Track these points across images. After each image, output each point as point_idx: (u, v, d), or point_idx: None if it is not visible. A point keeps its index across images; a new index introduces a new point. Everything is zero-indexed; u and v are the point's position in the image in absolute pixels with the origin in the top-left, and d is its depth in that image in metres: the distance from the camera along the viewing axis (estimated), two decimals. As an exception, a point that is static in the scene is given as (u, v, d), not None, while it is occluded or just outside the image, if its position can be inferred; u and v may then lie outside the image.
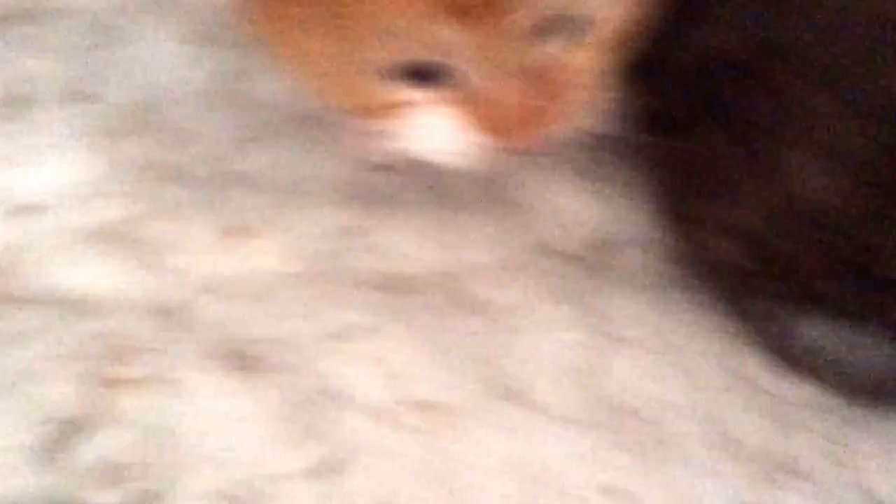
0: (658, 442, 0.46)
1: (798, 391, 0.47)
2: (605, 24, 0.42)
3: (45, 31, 0.64)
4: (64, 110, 0.59)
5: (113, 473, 0.44)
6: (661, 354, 0.48)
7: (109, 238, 0.52)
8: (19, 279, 0.50)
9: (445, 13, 0.38)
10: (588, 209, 0.56)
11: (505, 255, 0.54)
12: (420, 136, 0.43)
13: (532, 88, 0.41)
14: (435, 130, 0.43)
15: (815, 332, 0.45)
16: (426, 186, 0.56)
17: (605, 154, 0.59)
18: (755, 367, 0.48)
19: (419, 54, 0.40)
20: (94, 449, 0.45)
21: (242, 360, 0.46)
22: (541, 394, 0.47)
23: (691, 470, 0.45)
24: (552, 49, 0.42)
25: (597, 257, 0.54)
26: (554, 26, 0.41)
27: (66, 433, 0.45)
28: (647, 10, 0.45)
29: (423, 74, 0.41)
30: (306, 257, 0.53)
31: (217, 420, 0.45)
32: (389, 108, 0.42)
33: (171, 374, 0.46)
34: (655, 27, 0.53)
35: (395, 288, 0.52)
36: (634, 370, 0.48)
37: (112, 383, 0.45)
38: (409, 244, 0.54)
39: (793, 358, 0.46)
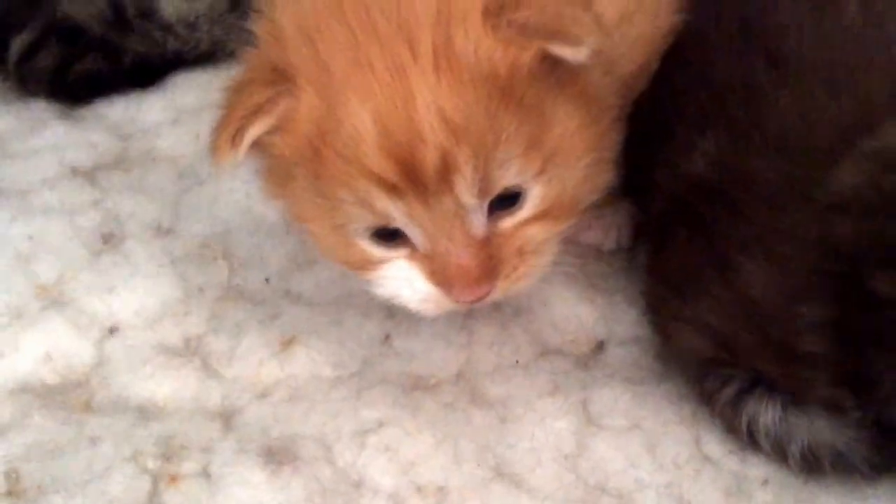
0: (629, 514, 0.53)
1: (755, 468, 0.54)
2: (548, 198, 0.50)
3: (134, 176, 0.77)
4: (150, 243, 0.71)
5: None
6: (636, 439, 0.56)
7: (177, 353, 0.63)
8: (99, 391, 0.61)
9: (388, 192, 0.47)
10: (583, 313, 0.65)
11: (509, 356, 0.62)
12: (392, 285, 0.52)
13: (482, 254, 0.49)
14: (402, 281, 0.51)
15: (765, 412, 0.52)
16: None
17: (598, 263, 0.68)
18: (717, 447, 0.56)
19: (380, 222, 0.49)
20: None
21: (277, 455, 0.56)
22: (531, 476, 0.55)
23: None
24: (498, 220, 0.50)
25: (589, 355, 0.63)
26: (498, 201, 0.49)
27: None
28: (591, 186, 0.52)
29: (388, 236, 0.50)
30: (344, 364, 0.63)
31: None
32: (367, 263, 0.52)
33: (214, 469, 0.55)
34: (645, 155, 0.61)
35: (414, 387, 0.61)
36: (612, 453, 0.56)
37: (164, 479, 0.54)
38: (428, 348, 0.63)
39: (748, 437, 0.53)
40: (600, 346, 0.63)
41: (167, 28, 0.85)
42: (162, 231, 0.72)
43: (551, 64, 0.47)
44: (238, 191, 0.74)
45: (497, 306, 0.65)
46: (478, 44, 0.46)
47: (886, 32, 0.53)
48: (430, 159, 0.46)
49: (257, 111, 0.47)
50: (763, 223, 0.49)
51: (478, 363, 0.62)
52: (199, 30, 0.86)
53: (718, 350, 0.53)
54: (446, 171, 0.46)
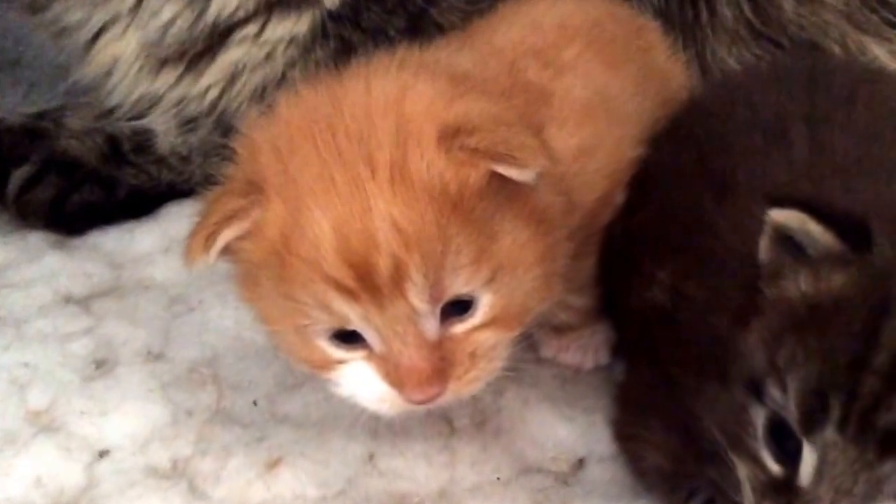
0: None
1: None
2: (497, 306, 0.53)
3: (127, 303, 0.79)
4: (140, 369, 0.73)
5: None
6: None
7: (165, 475, 0.64)
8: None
9: (346, 296, 0.50)
10: (563, 431, 0.67)
11: (490, 473, 0.64)
12: (350, 384, 0.55)
13: (434, 357, 0.52)
14: (361, 383, 0.54)
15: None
16: (425, 418, 0.67)
17: (577, 382, 0.70)
18: (694, 561, 0.57)
19: (339, 324, 0.52)
20: None
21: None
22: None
23: None
24: (450, 325, 0.53)
25: (569, 472, 0.64)
26: (451, 308, 0.52)
27: None
28: (540, 296, 0.56)
29: (347, 338, 0.53)
30: (328, 483, 0.64)
31: None
32: (327, 363, 0.54)
33: None
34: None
35: (398, 506, 0.62)
36: (593, 569, 0.57)
37: None
38: (411, 467, 0.65)
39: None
40: (580, 464, 0.65)
41: (161, 161, 0.89)
42: (152, 356, 0.74)
43: (501, 182, 0.51)
44: (227, 317, 0.76)
45: (478, 426, 0.67)
46: (431, 164, 0.50)
47: (833, 163, 0.56)
48: (383, 266, 0.49)
49: (231, 217, 0.52)
50: (705, 344, 0.52)
51: (460, 481, 0.64)
52: (191, 162, 0.90)
53: (678, 465, 0.56)
54: (399, 277, 0.49)
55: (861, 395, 0.41)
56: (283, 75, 0.85)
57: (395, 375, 0.53)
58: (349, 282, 0.50)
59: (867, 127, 0.59)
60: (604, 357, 0.71)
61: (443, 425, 0.67)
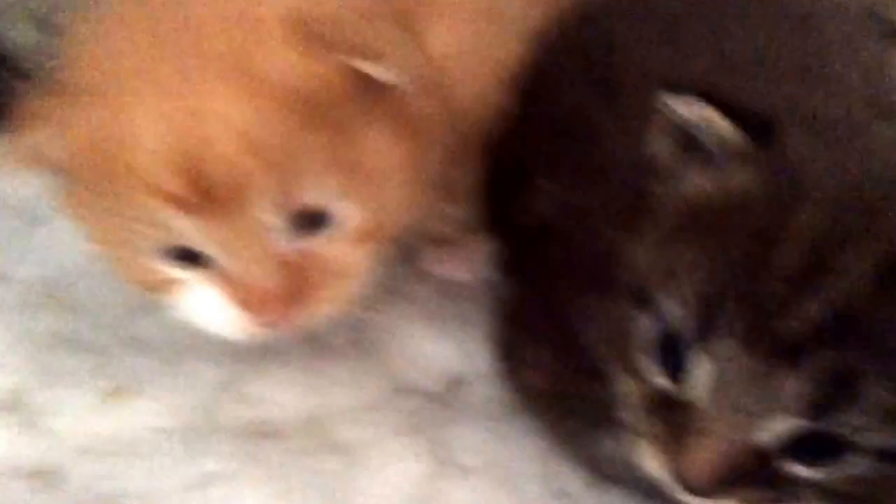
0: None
1: (612, 500, 0.52)
2: (357, 219, 0.48)
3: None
4: (-20, 291, 0.65)
5: None
6: (495, 479, 0.54)
7: (2, 405, 0.58)
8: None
9: (180, 210, 0.44)
10: (440, 349, 0.62)
11: (364, 397, 0.59)
12: (193, 308, 0.49)
13: (286, 275, 0.46)
14: (204, 305, 0.48)
15: (609, 445, 0.50)
16: (294, 337, 0.61)
17: (455, 297, 0.65)
18: (574, 483, 0.54)
19: (175, 241, 0.46)
20: None
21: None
22: (380, 524, 0.51)
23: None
24: (305, 240, 0.47)
25: (448, 393, 0.60)
26: (304, 222, 0.47)
27: None
28: (405, 208, 0.50)
29: (187, 257, 0.47)
30: (181, 413, 0.58)
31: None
32: (165, 285, 0.48)
33: None
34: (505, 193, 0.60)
35: (260, 434, 0.57)
36: (466, 494, 0.53)
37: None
38: (277, 392, 0.60)
39: (599, 469, 0.51)
40: (458, 383, 0.61)
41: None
42: (-4, 278, 0.66)
43: (365, 82, 0.45)
44: (79, 234, 0.69)
45: (353, 344, 0.62)
46: (278, 59, 0.43)
47: (730, 61, 0.52)
48: (222, 174, 0.43)
49: (32, 119, 0.45)
50: (591, 256, 0.48)
51: (329, 406, 0.59)
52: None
53: (556, 386, 0.52)
54: (241, 187, 0.43)
55: (762, 301, 0.37)
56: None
57: (243, 297, 0.47)
58: (181, 193, 0.44)
59: (765, 25, 0.55)
60: (486, 271, 0.66)
61: (313, 345, 0.62)
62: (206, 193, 0.44)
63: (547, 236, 0.54)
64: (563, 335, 0.50)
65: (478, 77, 0.56)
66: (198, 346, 0.61)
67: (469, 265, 0.67)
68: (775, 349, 0.37)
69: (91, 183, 0.46)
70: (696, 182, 0.42)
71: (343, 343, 0.63)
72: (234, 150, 0.43)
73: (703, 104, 0.41)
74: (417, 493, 0.53)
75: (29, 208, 0.71)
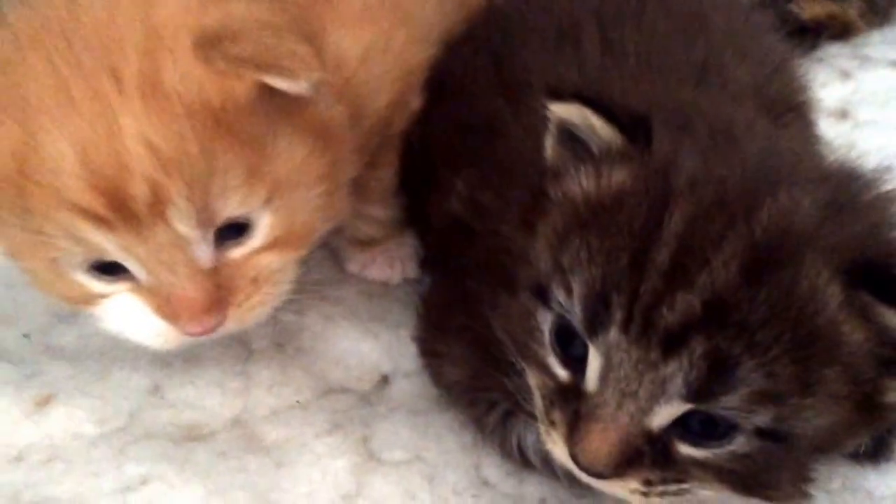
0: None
1: (532, 488, 0.55)
2: (278, 227, 0.49)
3: None
4: None
5: None
6: (419, 471, 0.55)
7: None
8: None
9: (98, 225, 0.45)
10: (366, 348, 0.64)
11: (290, 397, 0.60)
12: (118, 320, 0.49)
13: (209, 285, 0.47)
14: (129, 317, 0.49)
15: (532, 431, 0.52)
16: (219, 341, 0.62)
17: (383, 297, 0.67)
18: (496, 471, 0.56)
19: (94, 255, 0.46)
20: None
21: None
22: (306, 519, 0.53)
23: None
24: (227, 250, 0.48)
25: (373, 391, 0.61)
26: (224, 232, 0.47)
27: None
28: (325, 214, 0.51)
29: (108, 269, 0.47)
30: (109, 420, 0.59)
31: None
32: (88, 297, 0.49)
33: None
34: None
35: (188, 438, 0.58)
36: (391, 488, 0.55)
37: None
38: (203, 397, 0.60)
39: (521, 456, 0.54)
40: (385, 381, 0.62)
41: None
42: None
43: (273, 94, 0.46)
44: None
45: (278, 347, 0.63)
46: (187, 75, 0.44)
47: (623, 63, 0.55)
48: (139, 191, 0.44)
49: None
50: (498, 253, 0.50)
51: (255, 408, 0.60)
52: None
53: (475, 380, 0.54)
54: (158, 202, 0.44)
55: (642, 294, 0.39)
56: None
57: (167, 308, 0.48)
58: (99, 209, 0.44)
59: (657, 28, 0.57)
60: (411, 270, 0.68)
61: (239, 349, 0.63)
62: (125, 209, 0.44)
63: (460, 234, 0.56)
64: (478, 330, 0.51)
65: (387, 80, 0.58)
66: (123, 354, 0.62)
67: (393, 266, 0.68)
68: (657, 339, 0.39)
69: (10, 201, 0.46)
70: (581, 182, 0.44)
71: (267, 346, 0.64)
72: (150, 167, 0.44)
73: (581, 108, 0.43)
74: (344, 487, 0.54)
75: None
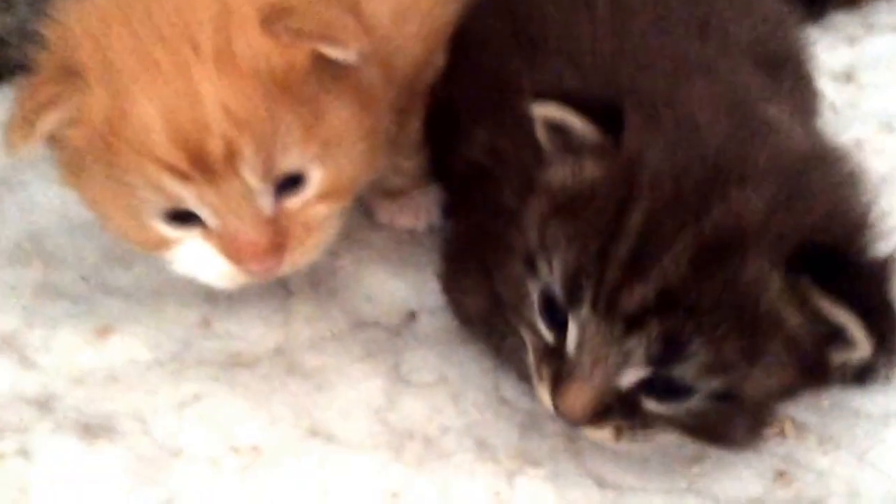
0: (433, 455, 0.58)
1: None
2: (327, 180, 0.55)
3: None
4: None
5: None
6: (441, 391, 0.61)
7: (-3, 347, 0.64)
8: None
9: (179, 178, 0.51)
10: (395, 287, 0.69)
11: (325, 329, 0.66)
12: (188, 262, 0.56)
13: (269, 231, 0.53)
14: (198, 259, 0.55)
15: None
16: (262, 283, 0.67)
17: (410, 242, 0.72)
18: (511, 390, 0.61)
19: (173, 204, 0.53)
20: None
21: (93, 430, 0.58)
22: (343, 431, 0.59)
23: (456, 472, 0.58)
24: (284, 200, 0.54)
25: (401, 325, 0.67)
26: (283, 184, 0.53)
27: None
28: (366, 168, 0.57)
29: (181, 217, 0.54)
30: (163, 348, 0.64)
31: (67, 479, 0.56)
32: (162, 243, 0.55)
33: (31, 447, 0.58)
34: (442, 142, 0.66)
35: (233, 364, 0.64)
36: (419, 404, 0.60)
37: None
38: (246, 329, 0.66)
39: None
40: (412, 316, 0.67)
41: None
42: (-26, 238, 0.71)
43: (325, 62, 0.52)
44: (53, 196, 0.74)
45: (313, 286, 0.69)
46: (256, 46, 0.50)
47: (630, 25, 0.58)
48: (216, 148, 0.50)
49: (48, 105, 0.50)
50: (512, 198, 0.55)
51: (295, 338, 0.65)
52: (9, 45, 0.86)
53: (491, 313, 0.59)
54: (232, 157, 0.50)
55: (606, 281, 0.45)
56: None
57: (233, 250, 0.54)
58: (182, 164, 0.50)
59: (633, 13, 0.60)
60: (435, 216, 0.73)
61: (279, 289, 0.69)
62: (203, 164, 0.50)
63: (479, 178, 0.60)
64: (492, 270, 0.56)
65: (416, 40, 0.63)
66: (175, 292, 0.67)
67: (422, 213, 0.73)
68: (619, 319, 0.45)
69: (99, 157, 0.52)
70: (562, 172, 0.49)
71: (307, 286, 0.69)
72: (226, 126, 0.50)
73: (559, 107, 0.48)
74: (376, 403, 0.60)
75: (5, 177, 0.76)
